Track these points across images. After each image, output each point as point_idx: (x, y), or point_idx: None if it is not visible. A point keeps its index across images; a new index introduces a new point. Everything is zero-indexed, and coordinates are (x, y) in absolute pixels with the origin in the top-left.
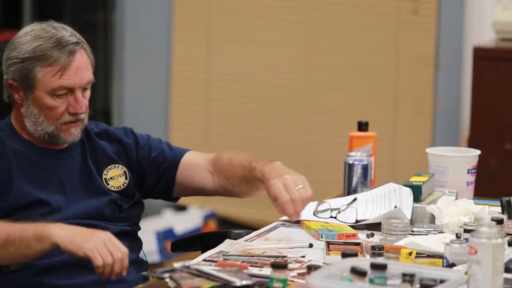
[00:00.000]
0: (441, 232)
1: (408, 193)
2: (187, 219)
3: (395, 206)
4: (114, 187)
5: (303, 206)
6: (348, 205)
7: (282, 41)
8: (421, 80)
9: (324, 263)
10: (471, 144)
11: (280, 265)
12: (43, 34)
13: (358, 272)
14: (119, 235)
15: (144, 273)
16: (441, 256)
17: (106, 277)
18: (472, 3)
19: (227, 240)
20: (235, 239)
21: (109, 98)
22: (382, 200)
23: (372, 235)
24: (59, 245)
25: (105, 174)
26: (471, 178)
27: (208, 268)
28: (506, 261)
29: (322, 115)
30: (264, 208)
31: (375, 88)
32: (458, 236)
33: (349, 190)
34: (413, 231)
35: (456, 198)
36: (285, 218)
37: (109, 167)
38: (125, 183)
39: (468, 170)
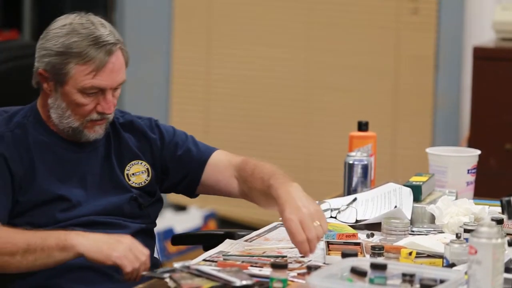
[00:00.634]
0: (441, 232)
1: (408, 193)
2: (187, 219)
3: (395, 206)
4: (136, 183)
5: (318, 243)
6: (348, 205)
7: (282, 41)
8: (421, 80)
9: (324, 263)
10: (471, 144)
11: (280, 265)
12: (81, 29)
13: (358, 272)
14: (137, 233)
15: (144, 273)
16: (441, 256)
17: (133, 280)
18: (472, 3)
19: (227, 240)
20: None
21: None
22: (382, 200)
23: (372, 235)
24: (85, 255)
25: (127, 170)
26: (471, 178)
27: (208, 268)
28: (506, 261)
29: (322, 115)
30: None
31: (375, 88)
32: (458, 236)
33: (349, 190)
34: (413, 231)
35: (456, 198)
36: None
37: (132, 162)
38: (146, 180)
39: (468, 170)
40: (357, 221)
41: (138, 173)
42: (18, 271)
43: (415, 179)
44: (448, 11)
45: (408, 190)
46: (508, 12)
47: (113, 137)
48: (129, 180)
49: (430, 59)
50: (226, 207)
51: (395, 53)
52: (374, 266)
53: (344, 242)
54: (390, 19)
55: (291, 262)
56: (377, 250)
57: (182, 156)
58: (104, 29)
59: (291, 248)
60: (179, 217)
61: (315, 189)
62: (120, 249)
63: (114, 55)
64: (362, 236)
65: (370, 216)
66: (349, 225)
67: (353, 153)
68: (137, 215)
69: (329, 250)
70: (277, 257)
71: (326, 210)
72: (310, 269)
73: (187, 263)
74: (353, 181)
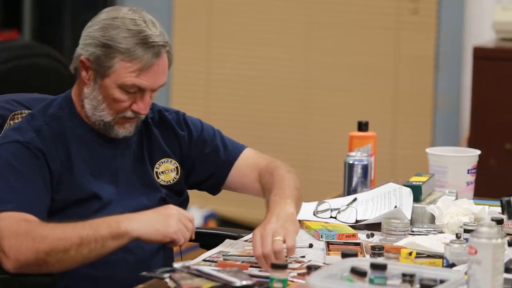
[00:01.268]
0: (441, 232)
1: (408, 193)
2: None
3: (395, 206)
4: (164, 181)
5: (279, 258)
6: (348, 205)
7: (282, 41)
8: (421, 80)
9: (324, 263)
10: (471, 144)
11: (280, 265)
12: (132, 26)
13: (358, 272)
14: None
15: (144, 273)
16: (441, 256)
17: (181, 248)
18: (472, 3)
19: (227, 240)
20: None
21: None
22: (382, 200)
23: (372, 235)
24: (141, 238)
25: (157, 168)
26: (471, 178)
27: (208, 268)
28: (506, 261)
29: (322, 115)
30: (264, 208)
31: (375, 88)
32: (458, 236)
33: (349, 190)
34: (413, 231)
35: (456, 198)
36: None
37: (162, 160)
38: (175, 178)
39: (468, 170)
40: (357, 221)
41: (167, 171)
42: (72, 267)
43: (415, 179)
44: (448, 11)
45: (408, 190)
46: (508, 12)
47: (145, 133)
48: (158, 177)
49: (430, 59)
50: (226, 207)
51: (395, 53)
52: (374, 266)
53: (344, 242)
54: (390, 19)
55: (291, 262)
56: (377, 250)
57: (209, 155)
58: (155, 29)
59: None
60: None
61: (315, 189)
62: (173, 223)
63: (161, 57)
64: (362, 236)
65: (370, 216)
66: (349, 225)
67: (353, 153)
68: None
69: (329, 250)
70: None
71: (326, 210)
72: (310, 269)
73: (187, 263)
74: (353, 181)
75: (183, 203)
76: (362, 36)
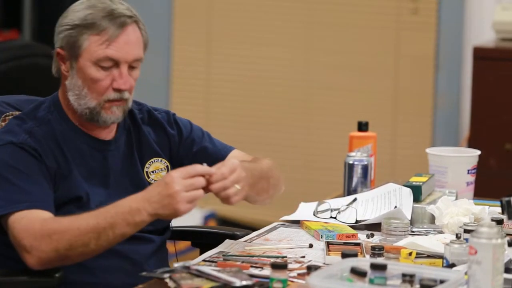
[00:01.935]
0: (441, 232)
1: (408, 193)
2: (187, 219)
3: (395, 206)
4: (155, 180)
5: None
6: (348, 205)
7: (282, 41)
8: (421, 80)
9: (324, 263)
10: (471, 144)
11: (280, 265)
12: (98, 4)
13: (358, 273)
14: (161, 246)
15: (144, 273)
16: (441, 257)
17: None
18: (472, 3)
19: (227, 240)
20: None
21: None
22: (382, 200)
23: (372, 235)
24: (158, 217)
25: (147, 167)
26: (471, 178)
27: (208, 269)
28: (506, 261)
29: (322, 115)
30: (264, 208)
31: (375, 88)
32: (458, 237)
33: (349, 190)
34: (413, 231)
35: (456, 198)
36: (285, 218)
37: (152, 160)
38: None
39: (468, 170)
40: (357, 221)
41: (157, 170)
42: (93, 255)
43: (415, 179)
44: (448, 11)
45: (408, 190)
46: (508, 12)
47: (134, 132)
48: (149, 177)
49: (430, 59)
50: (226, 207)
51: (395, 53)
52: (374, 267)
53: (344, 243)
54: (390, 19)
55: (291, 263)
56: (377, 251)
57: (197, 153)
58: (121, 5)
59: (291, 248)
60: (179, 217)
61: (315, 189)
62: (180, 199)
63: (128, 27)
64: (362, 236)
65: (370, 216)
66: (349, 225)
67: (353, 153)
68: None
69: (329, 251)
70: (277, 257)
71: (326, 210)
72: (310, 269)
73: (187, 263)
74: (353, 181)
75: None
76: (362, 36)
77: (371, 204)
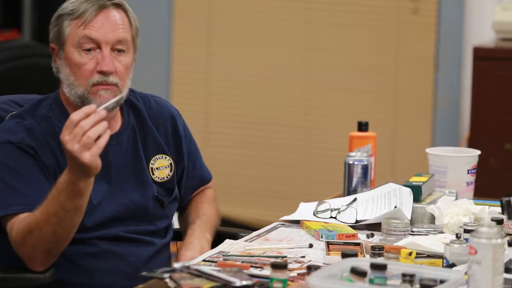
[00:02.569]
0: (441, 232)
1: (408, 193)
2: None
3: (395, 206)
4: (158, 177)
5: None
6: (348, 205)
7: (282, 41)
8: (421, 80)
9: (324, 263)
10: (471, 144)
11: (280, 265)
12: None
13: (358, 272)
14: (163, 248)
15: (144, 273)
16: (441, 256)
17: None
18: (472, 3)
19: (227, 240)
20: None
21: None
22: (382, 200)
23: (372, 235)
24: (84, 177)
25: (152, 164)
26: (471, 178)
27: (208, 269)
28: (506, 261)
29: (322, 115)
30: (264, 208)
31: (375, 88)
32: (458, 236)
33: (349, 190)
34: (413, 231)
35: (456, 198)
36: (285, 218)
37: (157, 156)
38: (169, 175)
39: (468, 170)
40: (357, 221)
41: (162, 167)
42: (73, 233)
43: (415, 179)
44: (448, 11)
45: (408, 190)
46: (508, 12)
47: (139, 129)
48: (153, 174)
49: (430, 59)
50: (226, 207)
51: (395, 53)
52: (374, 266)
53: (344, 243)
54: (390, 19)
55: (291, 262)
56: (377, 250)
57: (188, 167)
58: None
59: (291, 248)
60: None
61: (315, 189)
62: (76, 152)
63: (108, 9)
64: (362, 236)
65: (370, 216)
66: (349, 225)
67: (353, 153)
68: (160, 215)
69: (329, 251)
70: (277, 257)
71: (326, 210)
72: (310, 269)
73: (187, 263)
74: (353, 181)
75: (174, 203)
76: (362, 36)
77: (371, 204)
